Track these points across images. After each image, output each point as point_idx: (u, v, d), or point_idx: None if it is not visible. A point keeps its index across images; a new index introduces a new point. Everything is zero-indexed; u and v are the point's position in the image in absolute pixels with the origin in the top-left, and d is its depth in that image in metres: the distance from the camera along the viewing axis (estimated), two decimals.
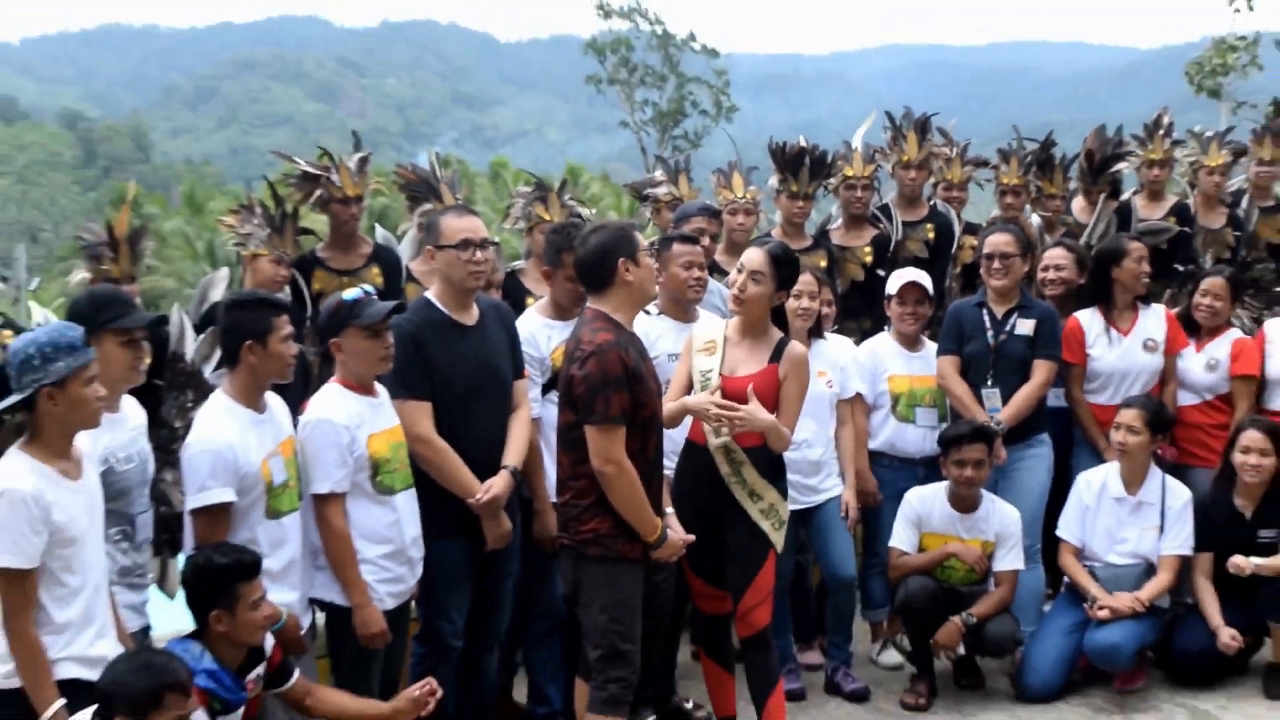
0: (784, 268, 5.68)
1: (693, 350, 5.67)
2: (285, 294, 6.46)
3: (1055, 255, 7.34)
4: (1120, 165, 8.31)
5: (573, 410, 5.10)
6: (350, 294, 5.30)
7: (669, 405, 5.48)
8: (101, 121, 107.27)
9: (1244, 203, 8.39)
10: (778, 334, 5.69)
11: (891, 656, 7.07)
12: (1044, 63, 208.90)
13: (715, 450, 5.51)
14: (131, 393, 5.00)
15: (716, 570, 5.67)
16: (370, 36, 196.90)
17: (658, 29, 54.69)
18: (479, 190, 43.40)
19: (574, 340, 5.20)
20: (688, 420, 5.61)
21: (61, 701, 4.19)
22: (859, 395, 6.83)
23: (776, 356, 5.59)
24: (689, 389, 5.61)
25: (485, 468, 5.54)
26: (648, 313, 6.10)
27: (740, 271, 5.62)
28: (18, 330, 5.93)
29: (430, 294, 5.66)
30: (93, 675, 4.17)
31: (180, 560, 5.51)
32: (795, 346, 5.68)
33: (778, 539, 5.58)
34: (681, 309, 6.27)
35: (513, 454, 5.64)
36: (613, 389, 4.95)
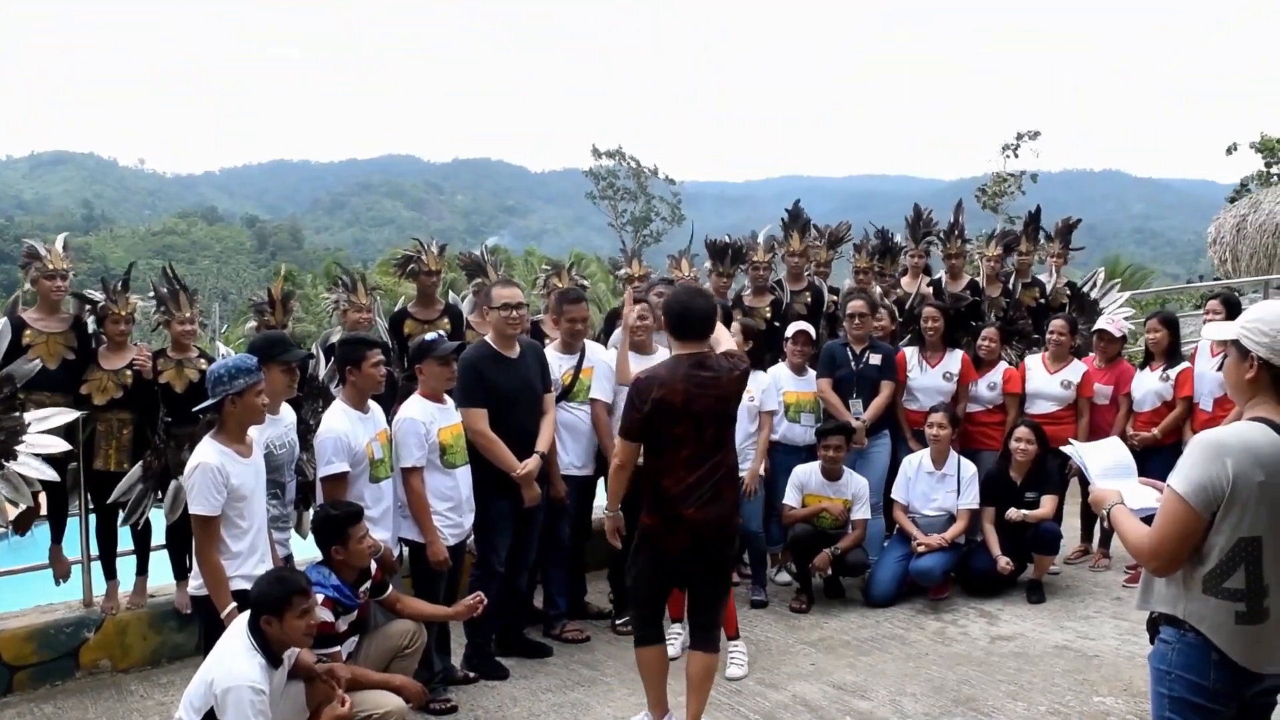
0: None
1: None
2: (377, 332, 6.40)
3: (930, 310, 7.23)
4: (928, 236, 8.31)
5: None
6: (430, 336, 5.32)
7: None
8: (271, 223, 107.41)
9: (1012, 279, 8.36)
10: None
11: (783, 577, 7.01)
12: (884, 187, 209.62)
13: None
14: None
15: None
16: (447, 167, 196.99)
17: (634, 164, 54.94)
18: (516, 269, 43.41)
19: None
20: None
21: (234, 604, 4.17)
22: (772, 410, 6.73)
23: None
24: None
25: (523, 451, 5.50)
26: (613, 348, 6.20)
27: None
28: (211, 360, 5.91)
29: (488, 337, 5.63)
30: None
31: (309, 513, 5.49)
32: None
33: None
34: (640, 345, 6.15)
35: (542, 442, 5.61)
36: (633, 410, 4.38)
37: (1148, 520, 2.84)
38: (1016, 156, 29.83)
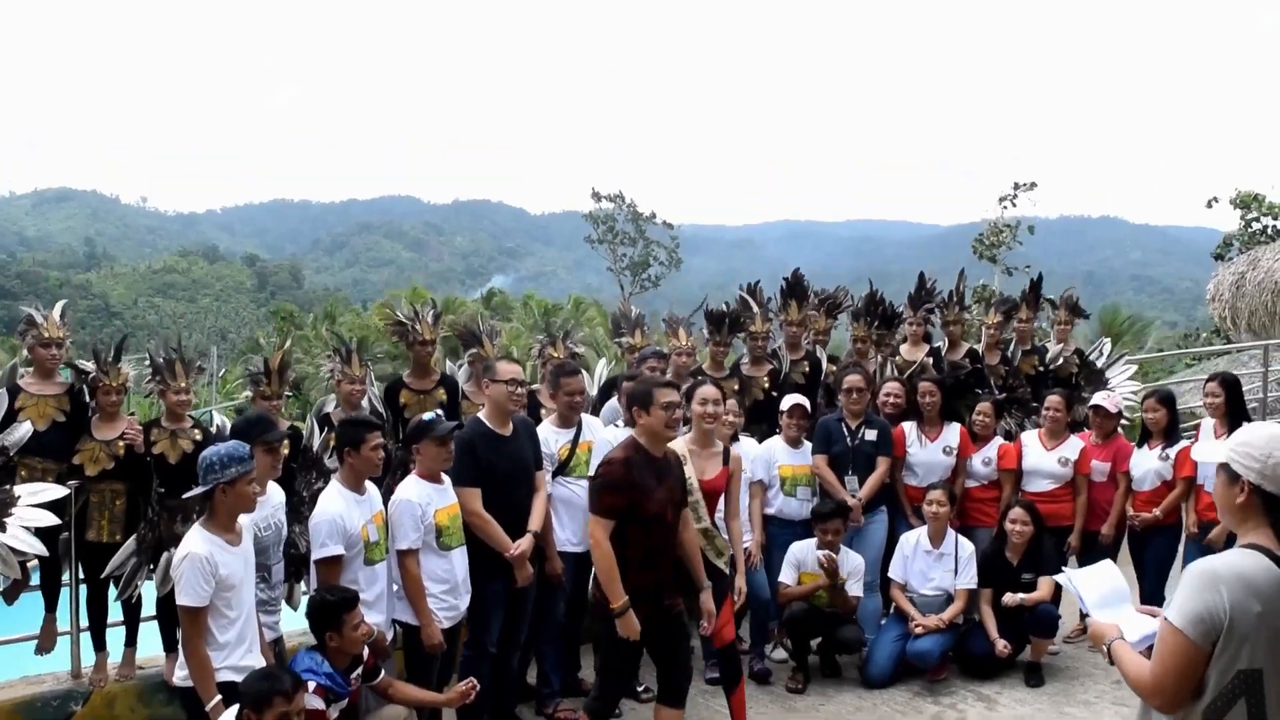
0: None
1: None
2: (369, 401, 6.37)
3: (892, 388, 7.27)
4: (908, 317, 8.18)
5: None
6: (427, 416, 5.28)
7: None
8: (271, 262, 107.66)
9: (1012, 346, 8.35)
10: (720, 443, 5.56)
11: (779, 654, 6.93)
12: (878, 232, 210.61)
13: (696, 532, 5.27)
14: None
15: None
16: (446, 209, 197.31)
17: (632, 208, 55.16)
18: (514, 313, 43.39)
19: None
20: None
21: (219, 697, 4.12)
22: (760, 480, 6.73)
23: (727, 460, 5.48)
24: None
25: (515, 530, 5.46)
26: (617, 425, 6.13)
27: (703, 402, 5.47)
28: (205, 430, 5.89)
29: (481, 414, 5.59)
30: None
31: (302, 586, 5.45)
32: (735, 452, 5.58)
33: (724, 566, 5.41)
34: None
35: (534, 521, 5.56)
36: (607, 491, 4.72)
37: (1151, 648, 2.78)
38: (1014, 206, 29.93)
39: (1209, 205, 21.76)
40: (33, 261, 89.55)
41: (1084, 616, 6.97)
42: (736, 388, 7.28)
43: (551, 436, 5.99)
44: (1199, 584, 2.61)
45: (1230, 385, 6.74)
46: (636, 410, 4.87)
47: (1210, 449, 2.84)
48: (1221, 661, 2.60)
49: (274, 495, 4.93)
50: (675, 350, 7.23)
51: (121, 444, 5.68)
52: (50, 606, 5.92)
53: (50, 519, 5.37)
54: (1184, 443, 6.89)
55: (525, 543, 5.44)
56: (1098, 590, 3.20)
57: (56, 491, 5.43)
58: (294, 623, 5.39)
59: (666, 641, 4.92)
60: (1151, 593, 6.72)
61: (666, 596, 4.88)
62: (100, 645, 5.92)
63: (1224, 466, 2.74)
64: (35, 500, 5.36)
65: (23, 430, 5.51)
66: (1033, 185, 30.60)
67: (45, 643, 5.91)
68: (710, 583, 5.24)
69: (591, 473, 5.89)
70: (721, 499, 5.54)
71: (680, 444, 5.41)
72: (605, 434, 6.12)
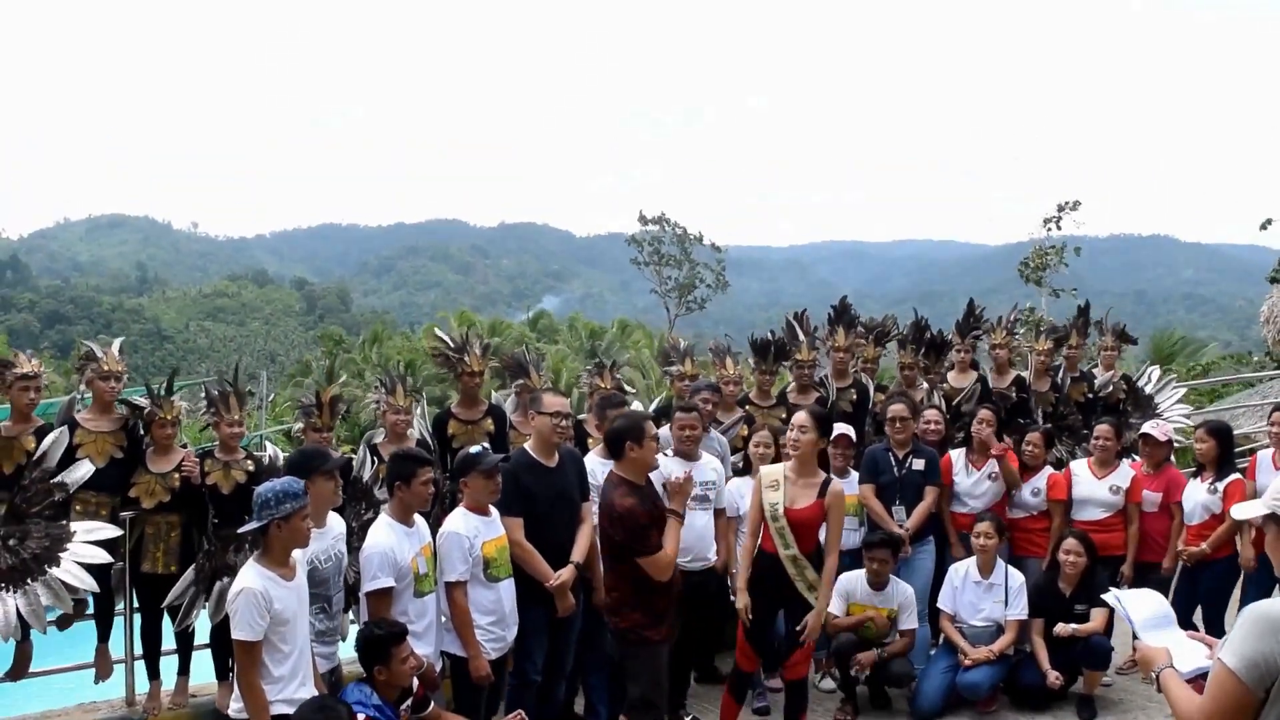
0: (825, 423, 5.59)
1: (762, 487, 5.43)
2: (417, 431, 6.42)
3: (932, 415, 7.24)
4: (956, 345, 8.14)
5: (612, 545, 5.14)
6: (475, 449, 5.33)
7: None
8: (319, 285, 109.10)
9: (1061, 373, 8.29)
10: (823, 474, 5.53)
11: (828, 684, 6.88)
12: (927, 252, 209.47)
13: (785, 559, 5.35)
14: None
15: (765, 639, 5.53)
16: (493, 232, 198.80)
17: (678, 230, 55.19)
18: (560, 336, 43.60)
19: (605, 501, 5.15)
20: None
21: None
22: None
23: (823, 493, 5.41)
24: (762, 516, 5.42)
25: (559, 560, 5.48)
26: (665, 454, 6.04)
27: (792, 429, 5.48)
28: (257, 460, 5.97)
29: (528, 446, 5.63)
30: None
31: (350, 616, 5.49)
32: (835, 484, 5.49)
33: (812, 598, 5.38)
34: (685, 453, 6.23)
35: (577, 552, 5.57)
36: (647, 531, 4.98)
37: (1203, 679, 2.76)
38: (1059, 228, 29.51)
39: (1263, 228, 21.36)
40: (86, 286, 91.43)
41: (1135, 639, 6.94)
42: (784, 417, 7.26)
43: (599, 467, 5.97)
44: (1258, 629, 2.58)
45: (1219, 433, 6.86)
46: (629, 445, 5.06)
47: (1251, 506, 2.82)
48: (1276, 709, 2.57)
49: (334, 526, 4.97)
50: (723, 380, 7.23)
51: (177, 476, 5.77)
52: (103, 637, 6.02)
53: (104, 557, 5.48)
54: (1236, 475, 6.79)
55: (566, 573, 5.46)
56: (1145, 611, 3.18)
57: (111, 531, 5.57)
58: (348, 652, 5.44)
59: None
60: (1209, 625, 6.61)
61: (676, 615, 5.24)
62: (155, 674, 6.02)
63: (1271, 518, 2.72)
64: (90, 538, 5.47)
65: (84, 470, 5.61)
66: (1076, 204, 30.18)
67: (102, 671, 6.01)
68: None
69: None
70: (822, 530, 5.48)
71: (778, 470, 5.49)
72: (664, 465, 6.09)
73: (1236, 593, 6.80)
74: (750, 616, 5.40)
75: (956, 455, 7.11)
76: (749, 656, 5.61)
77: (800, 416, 5.48)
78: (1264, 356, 19.96)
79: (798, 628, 5.38)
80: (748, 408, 7.34)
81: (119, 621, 6.04)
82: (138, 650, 6.00)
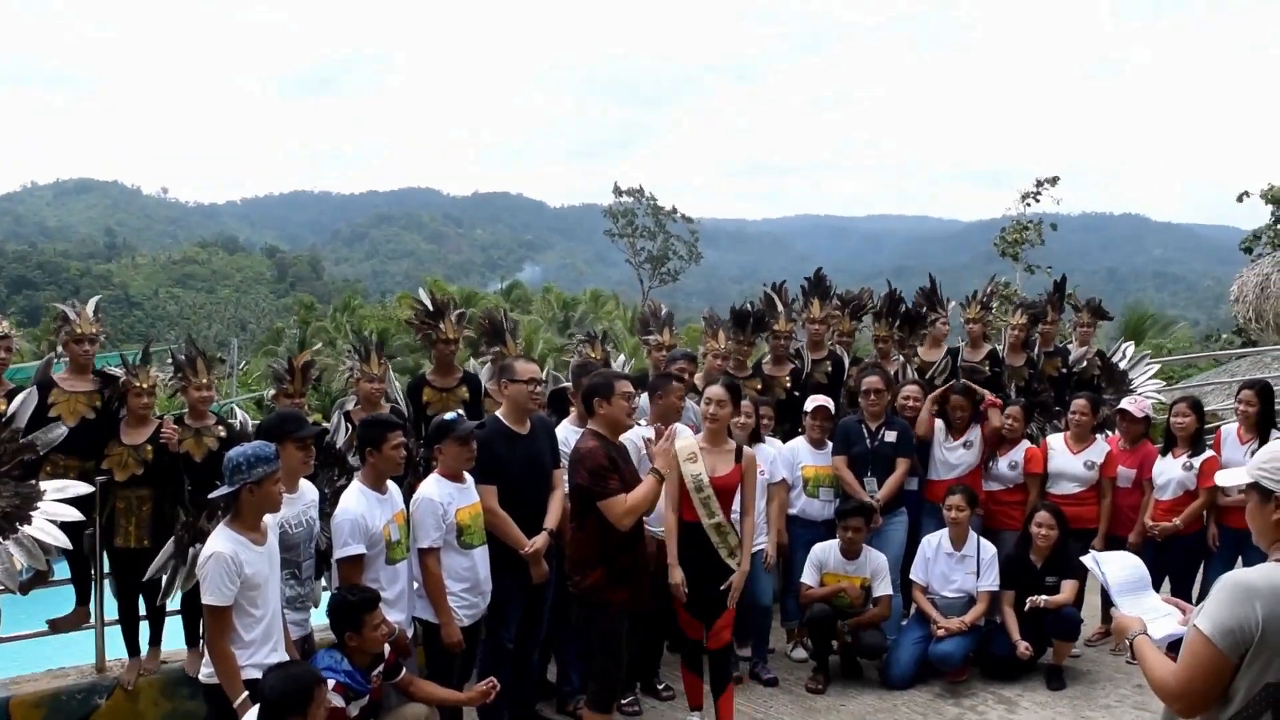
0: (738, 395, 5.67)
1: (680, 461, 5.37)
2: (391, 399, 6.38)
3: (911, 390, 7.25)
4: (934, 317, 8.08)
5: (578, 495, 5.04)
6: (449, 416, 5.29)
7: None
8: (290, 253, 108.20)
9: (1035, 348, 8.32)
10: (732, 442, 5.57)
11: (800, 654, 6.94)
12: (901, 227, 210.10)
13: (709, 528, 5.35)
14: None
15: (701, 608, 5.46)
16: (466, 201, 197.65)
17: (652, 202, 55.18)
18: (534, 306, 43.44)
19: (573, 449, 5.17)
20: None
21: (245, 694, 4.13)
22: (783, 480, 6.72)
23: (739, 458, 5.48)
24: (682, 490, 5.39)
25: (532, 528, 5.47)
26: (641, 424, 6.02)
27: (709, 402, 5.52)
28: (229, 426, 5.90)
29: (500, 413, 5.60)
30: None
31: (323, 583, 5.45)
32: (748, 450, 5.58)
33: (734, 564, 5.38)
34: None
35: (550, 519, 5.56)
36: (607, 474, 4.89)
37: (1175, 646, 2.78)
38: (1037, 202, 29.63)
39: (1239, 199, 21.55)
40: (54, 252, 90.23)
41: (1107, 607, 7.01)
42: (759, 388, 7.26)
43: (571, 436, 5.94)
44: (1233, 596, 2.60)
45: (1266, 394, 6.81)
46: (598, 401, 5.04)
47: (1234, 474, 2.84)
48: (1250, 673, 2.60)
49: (306, 492, 4.93)
50: (712, 352, 7.19)
51: (150, 448, 5.66)
52: (83, 600, 5.95)
53: (75, 515, 5.39)
54: (1210, 452, 6.86)
55: (540, 540, 5.44)
56: (1121, 574, 3.22)
57: (81, 488, 5.46)
58: (321, 619, 5.40)
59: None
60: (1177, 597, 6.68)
61: (642, 577, 5.15)
62: (135, 651, 5.94)
63: (1254, 486, 2.73)
64: (60, 496, 5.39)
65: (58, 432, 5.52)
66: (1055, 180, 30.26)
67: (65, 625, 5.92)
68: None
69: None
70: (736, 497, 5.54)
71: (691, 440, 5.50)
72: (632, 434, 6.04)
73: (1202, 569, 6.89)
74: (686, 590, 5.36)
75: (935, 426, 7.15)
76: (692, 624, 5.56)
77: (716, 390, 5.54)
78: (1232, 334, 20.16)
79: (722, 587, 5.37)
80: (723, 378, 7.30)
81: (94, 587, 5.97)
82: (109, 615, 5.93)
